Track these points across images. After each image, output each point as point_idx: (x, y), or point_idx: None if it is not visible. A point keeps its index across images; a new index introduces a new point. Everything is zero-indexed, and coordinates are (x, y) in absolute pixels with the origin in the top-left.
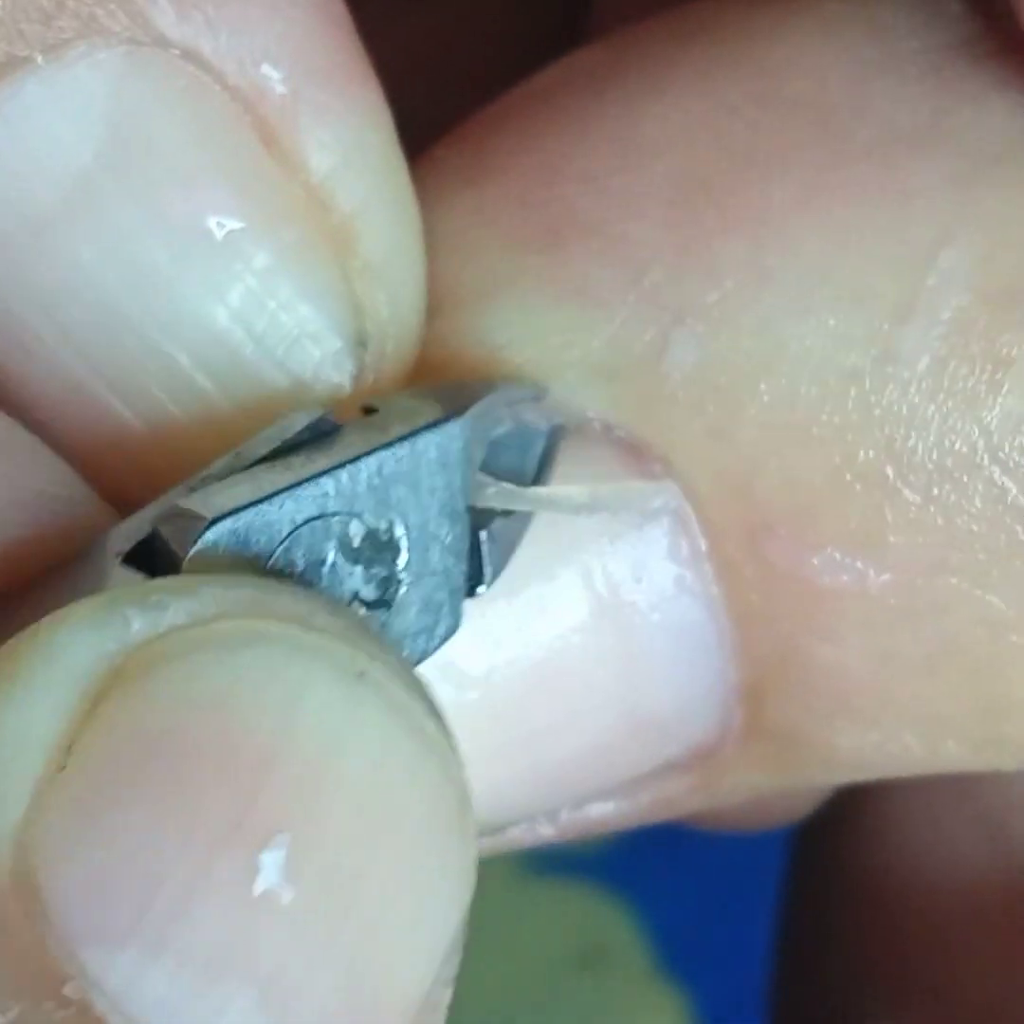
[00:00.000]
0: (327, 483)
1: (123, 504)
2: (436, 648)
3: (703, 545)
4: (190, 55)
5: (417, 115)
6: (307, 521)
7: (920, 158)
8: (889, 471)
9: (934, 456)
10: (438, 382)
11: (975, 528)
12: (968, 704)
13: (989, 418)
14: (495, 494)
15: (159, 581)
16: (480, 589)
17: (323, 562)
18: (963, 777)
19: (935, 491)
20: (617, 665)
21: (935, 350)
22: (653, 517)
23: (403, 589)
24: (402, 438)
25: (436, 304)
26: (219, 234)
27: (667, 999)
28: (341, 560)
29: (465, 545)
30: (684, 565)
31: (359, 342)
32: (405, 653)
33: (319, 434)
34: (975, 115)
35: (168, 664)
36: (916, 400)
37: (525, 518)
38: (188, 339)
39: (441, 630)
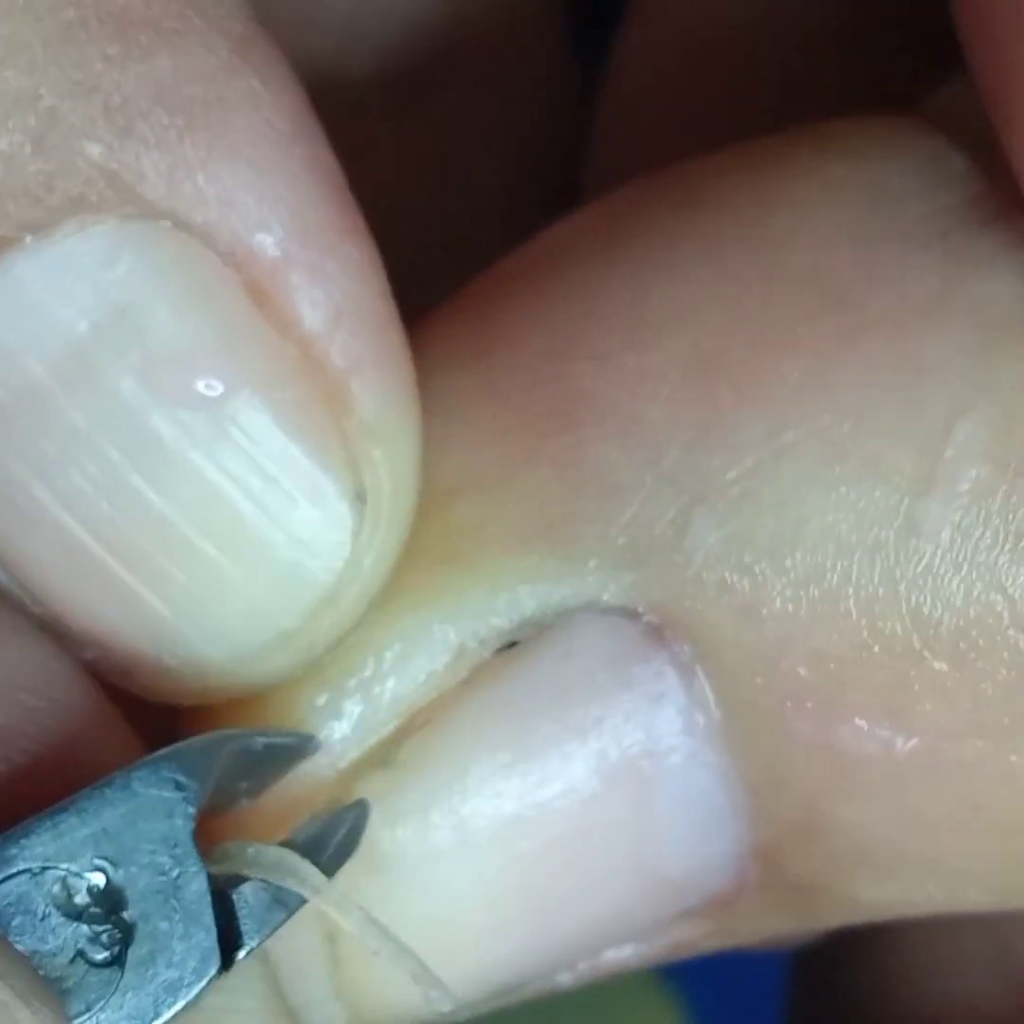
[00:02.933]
0: (34, 835)
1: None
2: (183, 1003)
3: (719, 717)
4: (181, 224)
5: (412, 261)
6: (10, 877)
7: (932, 329)
8: (916, 641)
9: (960, 626)
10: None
11: (1001, 693)
12: (991, 858)
13: (1013, 588)
14: (247, 859)
15: None
16: (238, 955)
17: (37, 919)
18: None
19: (961, 659)
20: (632, 835)
21: (956, 522)
22: (666, 695)
23: (136, 944)
24: (113, 778)
25: (453, 485)
26: (213, 397)
27: (663, 1006)
28: (57, 916)
29: (202, 888)
30: (699, 739)
31: (358, 498)
32: (146, 1011)
33: None
34: (984, 282)
35: None
36: (940, 571)
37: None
38: (187, 503)
39: (187, 984)
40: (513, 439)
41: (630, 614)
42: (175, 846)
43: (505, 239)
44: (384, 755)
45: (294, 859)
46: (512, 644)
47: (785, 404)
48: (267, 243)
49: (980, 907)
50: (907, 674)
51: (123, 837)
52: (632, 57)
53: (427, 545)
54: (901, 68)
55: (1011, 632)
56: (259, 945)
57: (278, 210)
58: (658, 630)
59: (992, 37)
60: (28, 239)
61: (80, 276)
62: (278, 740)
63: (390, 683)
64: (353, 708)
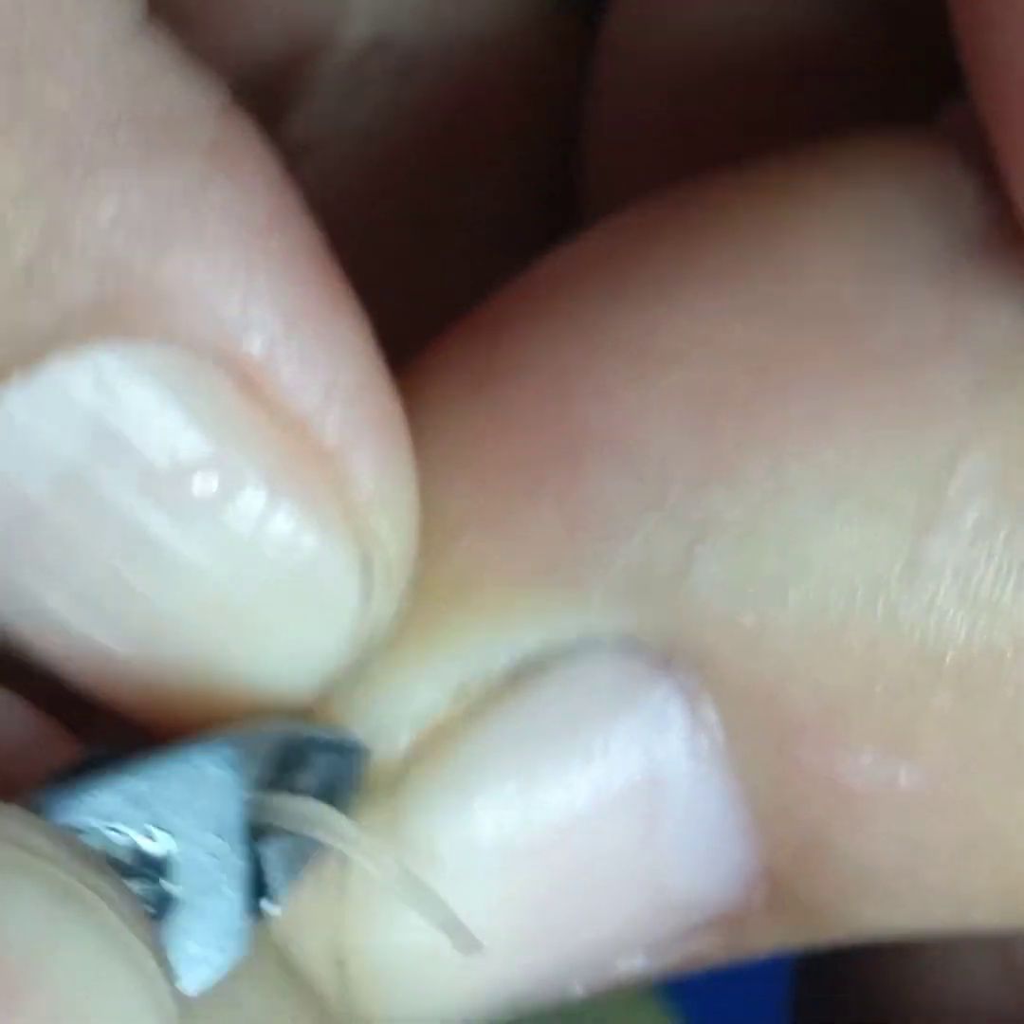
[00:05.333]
0: (95, 790)
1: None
2: (221, 974)
3: (724, 743)
4: (167, 339)
5: (415, 291)
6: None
7: (936, 364)
8: (919, 676)
9: (963, 662)
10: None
11: (1004, 729)
12: (996, 885)
13: (1016, 623)
14: (278, 810)
15: None
16: (270, 909)
17: None
18: None
19: (965, 695)
20: (639, 859)
21: (959, 559)
22: (671, 720)
23: (179, 910)
24: (167, 752)
25: (456, 524)
26: (211, 490)
27: (659, 1015)
28: None
29: (245, 865)
30: (705, 763)
31: (365, 571)
32: (186, 979)
33: None
34: (989, 316)
35: None
36: (944, 607)
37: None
38: (194, 595)
39: (226, 954)
40: (516, 477)
41: (634, 647)
42: (228, 827)
43: (505, 247)
44: (389, 785)
45: (325, 810)
46: (518, 677)
47: (788, 441)
48: (254, 343)
49: (986, 927)
50: (911, 709)
51: (181, 810)
52: (618, 64)
53: (431, 583)
54: (910, 82)
55: (1015, 667)
56: (283, 899)
57: (261, 310)
58: (663, 659)
59: (989, 61)
60: (16, 374)
61: (70, 402)
62: (321, 736)
63: (392, 720)
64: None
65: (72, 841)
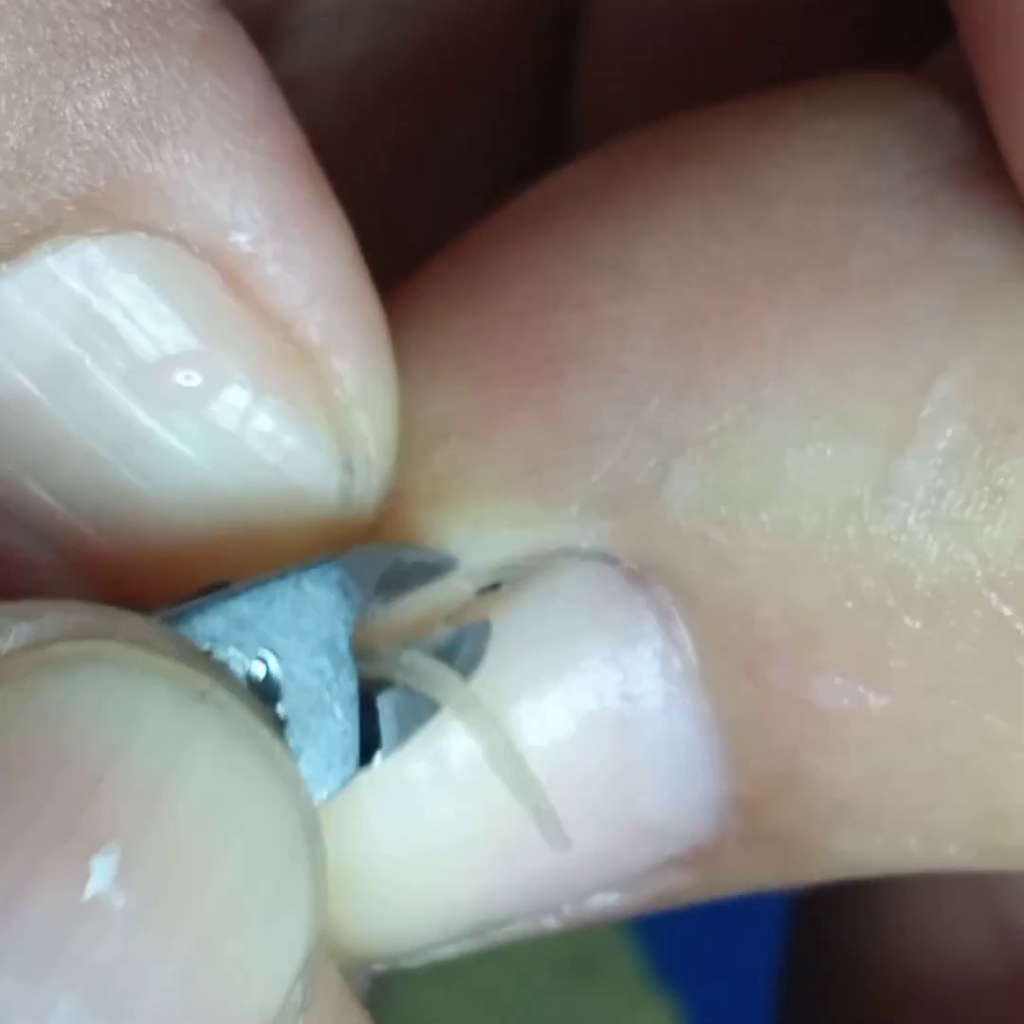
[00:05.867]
0: (208, 615)
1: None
2: (333, 794)
3: (696, 664)
4: (155, 233)
5: (406, 225)
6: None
7: (913, 288)
8: (889, 598)
9: (933, 583)
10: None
11: (974, 652)
12: (969, 815)
13: (986, 547)
14: (402, 665)
15: (2, 605)
16: (376, 758)
17: None
18: None
19: (935, 617)
20: (610, 779)
21: (931, 480)
22: (643, 638)
23: (289, 732)
24: (273, 576)
25: (439, 429)
26: (195, 385)
27: (658, 1006)
28: None
29: (353, 686)
30: (676, 683)
31: (346, 469)
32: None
33: None
34: (968, 242)
35: (6, 684)
36: (915, 529)
37: (425, 697)
38: (177, 489)
39: (338, 774)
40: (499, 385)
41: (610, 560)
42: (334, 649)
43: (492, 187)
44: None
45: (448, 674)
46: (494, 586)
47: (765, 359)
48: (240, 240)
49: (961, 865)
50: (881, 630)
51: (288, 633)
52: (612, 4)
53: (413, 487)
54: (899, 29)
55: (984, 591)
56: (392, 750)
57: (249, 207)
58: (638, 575)
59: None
60: (4, 266)
61: (58, 292)
62: (427, 558)
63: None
64: None
65: (199, 652)
